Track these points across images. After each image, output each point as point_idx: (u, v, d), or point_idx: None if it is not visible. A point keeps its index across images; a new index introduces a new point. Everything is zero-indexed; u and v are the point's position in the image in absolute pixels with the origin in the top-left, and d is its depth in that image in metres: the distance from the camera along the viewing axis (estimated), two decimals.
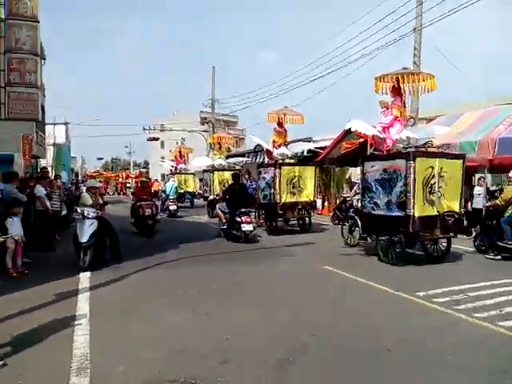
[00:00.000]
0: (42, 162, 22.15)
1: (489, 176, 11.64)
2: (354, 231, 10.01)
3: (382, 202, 8.31)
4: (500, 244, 8.42)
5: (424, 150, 8.44)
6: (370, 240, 9.36)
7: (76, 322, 4.81)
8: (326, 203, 18.96)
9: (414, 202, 7.70)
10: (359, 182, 9.79)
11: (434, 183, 7.97)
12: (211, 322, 4.89)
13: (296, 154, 14.96)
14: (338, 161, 16.34)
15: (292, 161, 14.36)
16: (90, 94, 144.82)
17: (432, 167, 7.96)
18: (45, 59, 16.48)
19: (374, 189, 8.51)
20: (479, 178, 11.54)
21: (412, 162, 7.71)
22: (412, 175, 7.70)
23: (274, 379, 3.51)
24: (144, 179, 15.91)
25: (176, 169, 23.89)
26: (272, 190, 12.19)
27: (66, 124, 32.25)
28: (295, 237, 11.75)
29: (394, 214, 8.04)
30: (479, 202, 11.34)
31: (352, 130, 9.65)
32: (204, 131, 35.66)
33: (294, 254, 9.24)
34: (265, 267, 7.93)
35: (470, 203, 11.85)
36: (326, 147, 17.74)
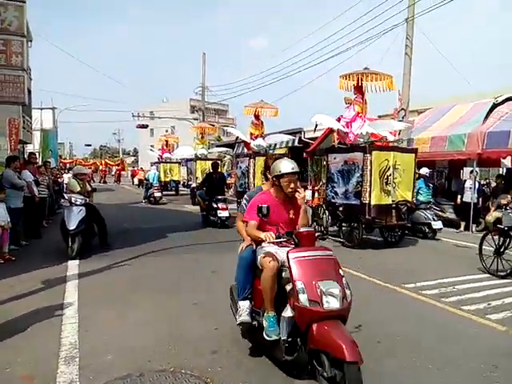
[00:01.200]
0: (29, 148, 21.80)
1: (477, 169, 11.75)
2: (322, 218, 10.61)
3: (342, 191, 9.12)
4: None
5: (380, 144, 9.19)
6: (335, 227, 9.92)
7: (64, 311, 4.75)
8: (316, 194, 19.07)
9: (370, 192, 8.49)
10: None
11: (390, 175, 8.75)
12: (199, 311, 4.86)
13: (274, 145, 16.43)
14: (329, 152, 16.49)
15: (283, 151, 14.51)
16: (78, 78, 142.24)
17: (387, 160, 8.71)
18: (31, 41, 16.07)
19: (336, 179, 9.31)
20: (471, 172, 11.62)
21: (368, 154, 8.47)
22: (368, 167, 8.46)
23: (262, 369, 3.50)
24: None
25: (162, 158, 24.68)
26: (247, 179, 12.99)
27: (53, 109, 31.71)
28: None
29: (352, 203, 8.84)
30: (468, 195, 11.44)
31: (317, 123, 10.32)
32: (194, 119, 35.30)
33: None
34: None
35: (459, 196, 11.98)
36: (317, 138, 17.79)
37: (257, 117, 13.75)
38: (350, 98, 9.68)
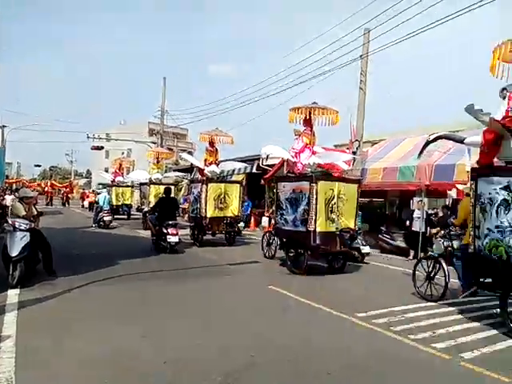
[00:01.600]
0: None
1: (425, 200, 12.29)
2: (272, 244, 11.27)
3: (291, 218, 9.40)
4: None
5: (327, 174, 9.73)
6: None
7: (1, 344, 4.41)
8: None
9: (315, 219, 8.82)
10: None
11: (334, 203, 9.19)
12: (147, 344, 4.66)
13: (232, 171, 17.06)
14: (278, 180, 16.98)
15: (240, 177, 14.65)
16: (31, 96, 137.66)
17: (332, 189, 9.18)
18: None
19: (284, 206, 9.64)
20: (418, 201, 12.13)
21: (314, 184, 8.85)
22: (314, 195, 8.82)
23: None
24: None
25: (114, 181, 24.31)
26: (199, 205, 13.10)
27: (2, 127, 30.38)
28: (223, 249, 12.79)
29: (299, 230, 9.14)
30: (417, 224, 11.90)
31: (267, 153, 10.81)
32: (152, 142, 34.90)
33: (231, 271, 9.29)
34: (203, 284, 7.84)
35: (409, 225, 12.44)
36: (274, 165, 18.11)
37: (211, 144, 14.13)
38: (298, 130, 10.25)
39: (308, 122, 10.06)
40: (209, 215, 12.91)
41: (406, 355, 4.67)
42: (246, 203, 18.85)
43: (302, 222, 9.08)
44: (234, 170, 19.07)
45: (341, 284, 8.61)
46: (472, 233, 5.89)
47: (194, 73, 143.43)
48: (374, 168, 14.10)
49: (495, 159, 5.96)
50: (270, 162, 19.47)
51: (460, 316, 6.18)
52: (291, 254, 9.62)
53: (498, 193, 5.47)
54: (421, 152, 8.33)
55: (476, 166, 6.27)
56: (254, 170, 18.50)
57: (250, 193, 19.85)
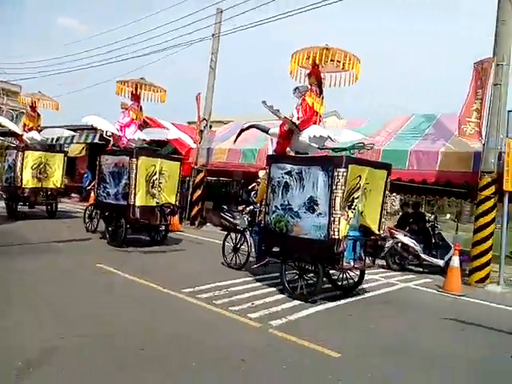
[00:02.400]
0: None
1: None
2: (94, 218, 11.25)
3: (112, 192, 9.61)
4: None
5: (151, 151, 10.14)
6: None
7: None
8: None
9: (135, 193, 9.20)
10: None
11: (156, 179, 9.66)
12: None
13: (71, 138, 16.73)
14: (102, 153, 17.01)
15: (81, 146, 13.49)
16: None
17: (154, 165, 9.61)
18: None
19: (107, 180, 9.74)
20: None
21: (135, 159, 9.20)
22: (134, 170, 9.15)
23: None
24: None
25: None
26: (13, 174, 12.33)
27: None
28: (46, 222, 12.28)
29: (120, 203, 9.40)
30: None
31: (89, 124, 10.64)
32: None
33: (60, 248, 8.62)
34: (25, 264, 7.01)
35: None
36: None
37: (33, 108, 13.01)
38: (126, 104, 10.26)
39: (136, 97, 10.17)
40: (26, 185, 12.18)
41: (223, 325, 5.03)
42: (85, 175, 17.59)
43: (123, 195, 9.32)
44: (59, 138, 17.84)
45: (171, 260, 8.80)
46: (264, 210, 6.93)
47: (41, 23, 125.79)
48: (220, 148, 14.50)
49: (288, 149, 6.95)
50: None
51: (274, 288, 6.80)
52: (110, 229, 9.77)
53: (283, 177, 6.48)
54: (236, 138, 9.20)
55: (273, 153, 7.35)
56: (97, 141, 17.31)
57: (93, 164, 18.54)
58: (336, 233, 5.74)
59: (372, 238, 6.57)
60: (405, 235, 9.75)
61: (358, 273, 6.90)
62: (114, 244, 9.37)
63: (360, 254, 6.44)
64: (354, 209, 6.10)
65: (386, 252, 9.66)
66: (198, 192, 14.58)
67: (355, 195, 6.06)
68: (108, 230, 9.79)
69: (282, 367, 3.95)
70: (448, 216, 25.73)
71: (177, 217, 13.24)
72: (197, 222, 14.49)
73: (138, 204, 9.21)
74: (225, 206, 14.45)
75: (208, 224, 14.75)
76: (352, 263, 6.29)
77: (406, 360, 4.42)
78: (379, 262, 9.86)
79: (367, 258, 6.65)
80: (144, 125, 16.18)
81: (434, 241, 9.93)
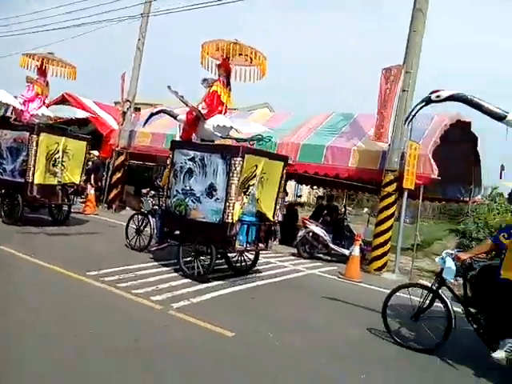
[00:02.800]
0: None
1: None
2: None
3: (9, 168, 9.23)
4: None
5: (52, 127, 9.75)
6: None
7: None
8: None
9: (34, 171, 8.89)
10: None
11: (59, 157, 9.40)
12: None
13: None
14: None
15: None
16: None
17: (57, 143, 9.32)
18: None
19: (5, 155, 9.32)
20: None
21: (35, 135, 8.85)
22: (34, 147, 8.83)
23: None
24: None
25: None
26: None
27: None
28: None
29: (16, 180, 9.09)
30: None
31: None
32: None
33: None
34: None
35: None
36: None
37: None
38: (31, 78, 9.80)
39: (42, 72, 9.74)
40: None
41: (122, 307, 5.05)
42: None
43: (20, 172, 8.99)
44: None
45: (78, 241, 8.62)
46: (165, 194, 7.13)
47: None
48: (143, 132, 14.15)
49: (194, 136, 7.19)
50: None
51: (181, 272, 6.86)
52: (6, 208, 9.40)
53: (186, 162, 6.69)
54: (145, 122, 9.36)
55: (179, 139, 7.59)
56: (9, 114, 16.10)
57: None
58: (230, 217, 6.12)
59: (267, 223, 6.96)
60: (316, 225, 10.31)
61: (252, 256, 7.42)
62: (9, 222, 9.03)
63: (254, 238, 6.82)
64: (249, 195, 6.47)
65: (297, 241, 10.17)
66: (118, 175, 14.19)
67: (251, 182, 6.46)
68: (3, 208, 9.41)
69: (173, 345, 4.10)
70: (365, 210, 27.64)
71: (93, 199, 12.83)
72: (114, 206, 14.10)
73: (36, 182, 8.88)
74: (143, 190, 14.18)
75: (127, 208, 14.42)
76: (245, 246, 6.67)
77: (293, 337, 4.75)
78: (291, 250, 10.46)
79: (261, 243, 7.02)
80: (63, 101, 15.47)
81: (343, 232, 10.65)
